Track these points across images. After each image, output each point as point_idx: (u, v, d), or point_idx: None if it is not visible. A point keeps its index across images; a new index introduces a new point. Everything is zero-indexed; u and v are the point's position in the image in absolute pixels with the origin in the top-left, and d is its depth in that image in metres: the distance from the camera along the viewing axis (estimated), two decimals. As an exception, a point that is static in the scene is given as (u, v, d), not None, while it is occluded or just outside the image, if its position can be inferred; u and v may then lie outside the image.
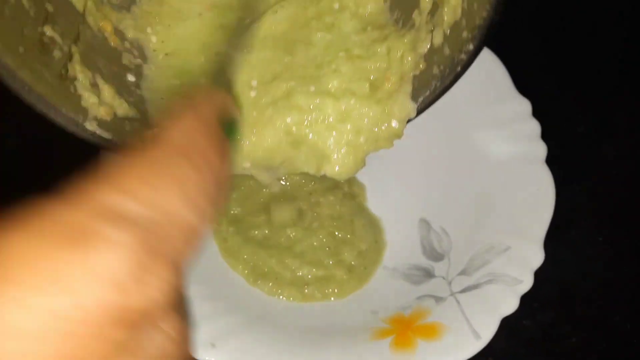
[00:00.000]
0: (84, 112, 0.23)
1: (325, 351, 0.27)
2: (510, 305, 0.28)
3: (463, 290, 0.29)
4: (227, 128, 0.16)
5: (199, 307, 0.28)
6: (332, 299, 0.32)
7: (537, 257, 0.29)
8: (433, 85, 0.24)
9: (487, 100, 0.34)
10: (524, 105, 0.33)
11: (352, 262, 0.33)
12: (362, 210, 0.35)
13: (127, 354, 0.12)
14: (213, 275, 0.31)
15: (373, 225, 0.34)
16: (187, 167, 0.14)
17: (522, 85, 0.34)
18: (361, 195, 0.36)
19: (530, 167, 0.31)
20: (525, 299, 0.29)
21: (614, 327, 0.33)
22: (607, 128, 0.39)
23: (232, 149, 0.16)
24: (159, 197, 0.13)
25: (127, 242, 0.11)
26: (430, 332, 0.28)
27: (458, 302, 0.29)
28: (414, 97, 0.24)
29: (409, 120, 0.25)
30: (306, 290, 0.32)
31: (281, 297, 0.32)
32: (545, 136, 0.33)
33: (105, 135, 0.23)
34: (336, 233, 0.34)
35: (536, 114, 0.34)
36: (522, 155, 0.32)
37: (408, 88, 0.24)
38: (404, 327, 0.28)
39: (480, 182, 0.33)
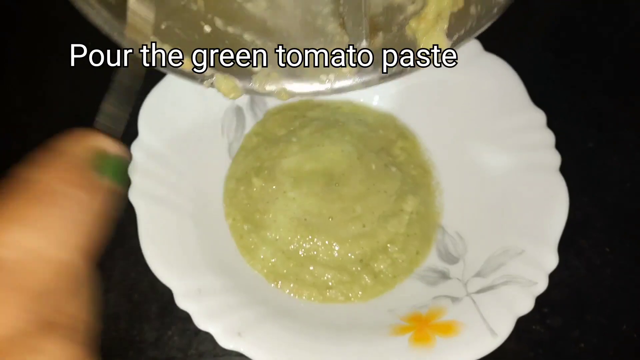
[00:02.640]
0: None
1: (347, 344, 0.28)
2: (525, 305, 0.29)
3: (479, 291, 0.30)
4: (102, 165, 0.17)
5: (225, 298, 0.29)
6: (355, 301, 0.33)
7: (551, 261, 0.30)
8: (469, 24, 0.25)
9: (503, 110, 0.35)
10: (539, 116, 0.34)
11: (383, 270, 0.33)
12: (422, 219, 0.35)
13: None
14: (236, 269, 0.32)
15: (425, 237, 0.35)
16: (48, 206, 0.15)
17: (536, 100, 0.36)
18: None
19: (545, 174, 0.33)
20: (535, 304, 0.29)
21: (622, 335, 0.34)
22: (618, 143, 0.40)
23: (107, 185, 0.17)
24: (17, 237, 0.14)
25: None
26: (448, 329, 0.29)
27: (474, 301, 0.30)
28: (449, 35, 0.26)
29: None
30: (328, 293, 0.33)
31: (303, 297, 0.33)
32: (556, 150, 0.34)
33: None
34: (388, 246, 0.34)
35: (549, 127, 0.35)
36: (536, 163, 0.33)
37: (444, 25, 0.25)
38: (422, 325, 0.29)
39: (494, 189, 0.34)
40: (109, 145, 0.18)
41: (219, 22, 0.27)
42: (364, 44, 0.26)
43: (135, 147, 0.32)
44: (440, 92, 0.37)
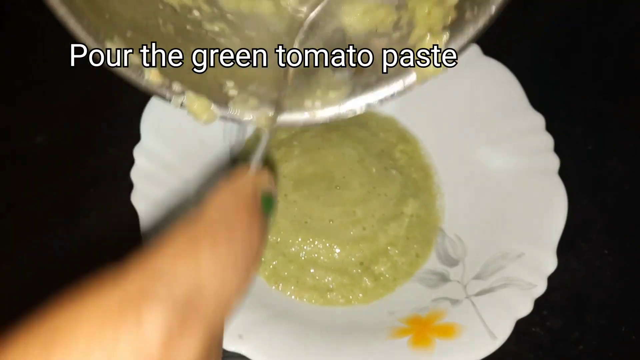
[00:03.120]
0: (105, 32, 0.23)
1: (347, 346, 0.28)
2: (524, 307, 0.29)
3: (478, 294, 0.31)
4: (265, 203, 0.17)
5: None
6: (355, 303, 0.33)
7: (550, 263, 0.30)
8: (466, 30, 0.24)
9: (502, 114, 0.35)
10: (538, 120, 0.34)
11: (384, 273, 0.34)
12: (422, 222, 0.35)
13: None
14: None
15: (425, 240, 0.35)
16: (223, 239, 0.15)
17: (536, 102, 0.36)
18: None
19: (544, 178, 0.33)
20: (535, 306, 0.30)
21: (621, 337, 0.35)
22: (618, 145, 0.41)
23: (267, 224, 0.17)
24: (198, 269, 0.14)
25: (162, 316, 0.13)
26: (447, 331, 0.29)
27: (473, 304, 0.30)
28: (447, 45, 0.25)
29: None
30: (328, 296, 0.33)
31: (304, 299, 0.33)
32: (556, 152, 0.34)
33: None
34: (388, 248, 0.34)
35: (548, 130, 0.35)
36: (535, 166, 0.33)
37: (439, 41, 0.25)
38: (422, 327, 0.30)
39: (494, 192, 0.34)
40: (271, 184, 0.18)
41: (190, 47, 0.26)
42: (346, 74, 0.26)
43: (138, 151, 0.33)
44: (439, 96, 0.37)
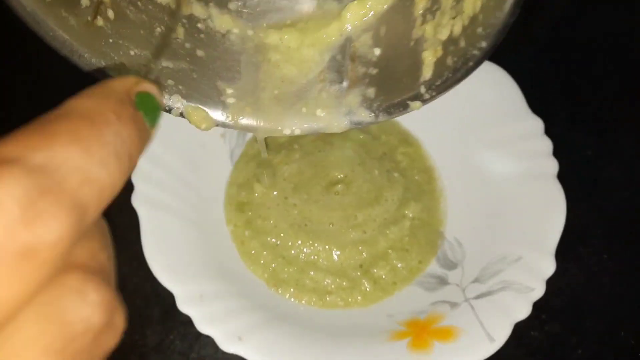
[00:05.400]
0: (106, 56, 0.24)
1: (346, 349, 0.29)
2: (522, 311, 0.29)
3: (477, 297, 0.31)
4: (140, 101, 0.16)
5: (226, 303, 0.29)
6: (354, 306, 0.33)
7: (548, 267, 0.30)
8: (445, 75, 0.25)
9: (502, 118, 0.36)
10: (537, 124, 0.35)
11: (383, 277, 0.34)
12: (425, 225, 0.35)
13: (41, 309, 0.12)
14: (237, 275, 0.33)
15: (427, 243, 0.35)
16: (85, 125, 0.13)
17: (535, 107, 0.36)
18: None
19: (542, 182, 0.33)
20: (534, 310, 0.30)
21: (619, 341, 0.35)
22: (616, 150, 0.41)
23: (148, 129, 0.16)
24: (57, 148, 0.12)
25: (18, 180, 0.11)
26: (446, 334, 0.29)
27: (472, 307, 0.30)
28: (427, 85, 0.25)
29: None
30: (327, 298, 0.33)
31: (303, 302, 0.33)
32: (555, 157, 0.35)
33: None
34: (388, 252, 0.34)
35: (548, 135, 0.35)
36: (534, 170, 0.34)
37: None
38: (420, 330, 0.30)
39: (493, 195, 0.35)
40: (149, 87, 0.18)
41: (199, 52, 0.26)
42: (344, 84, 0.25)
43: (139, 153, 0.33)
44: (440, 99, 0.37)
